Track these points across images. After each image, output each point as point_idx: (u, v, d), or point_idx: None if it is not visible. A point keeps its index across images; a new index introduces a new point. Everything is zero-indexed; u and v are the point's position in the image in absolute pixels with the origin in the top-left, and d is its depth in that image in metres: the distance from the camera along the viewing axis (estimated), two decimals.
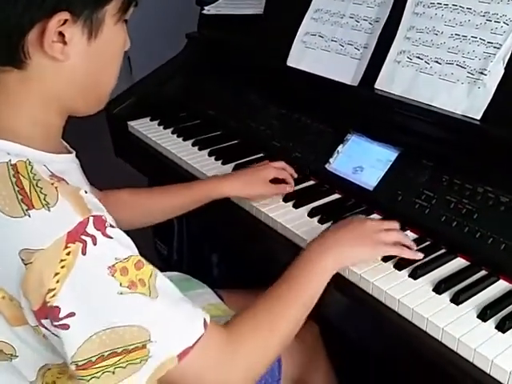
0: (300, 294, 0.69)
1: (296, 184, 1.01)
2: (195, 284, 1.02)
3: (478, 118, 0.83)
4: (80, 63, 0.60)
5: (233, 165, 1.11)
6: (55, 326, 0.53)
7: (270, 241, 0.94)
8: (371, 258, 0.77)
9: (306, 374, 0.92)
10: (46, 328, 0.54)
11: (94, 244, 0.54)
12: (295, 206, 0.95)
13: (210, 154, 1.16)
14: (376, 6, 1.00)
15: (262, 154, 1.15)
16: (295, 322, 0.68)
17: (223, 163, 1.12)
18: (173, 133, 1.27)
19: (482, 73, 0.84)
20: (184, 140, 1.23)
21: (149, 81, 1.42)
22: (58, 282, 0.52)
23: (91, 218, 0.55)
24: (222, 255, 1.48)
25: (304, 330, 0.71)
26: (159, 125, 1.31)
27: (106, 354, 0.54)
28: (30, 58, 0.58)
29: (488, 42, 0.84)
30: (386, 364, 0.82)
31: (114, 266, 0.54)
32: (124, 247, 0.57)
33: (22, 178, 0.55)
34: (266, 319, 0.66)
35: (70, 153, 0.68)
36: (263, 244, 0.98)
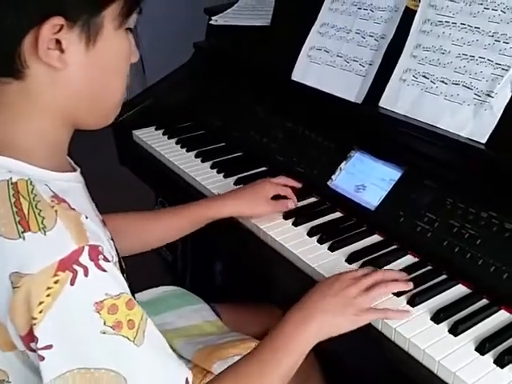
0: (279, 367, 0.66)
1: (297, 201, 1.00)
2: (192, 299, 1.01)
3: (484, 141, 0.81)
4: (79, 71, 0.58)
5: (235, 178, 1.10)
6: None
7: (269, 258, 0.93)
8: (352, 328, 0.71)
9: None
10: (33, 351, 0.53)
11: (86, 275, 0.52)
12: (295, 224, 0.93)
13: (212, 167, 1.15)
14: (383, 22, 0.98)
15: (264, 168, 1.14)
16: None
17: (225, 176, 1.11)
18: (177, 143, 1.26)
19: (488, 95, 0.82)
20: (187, 151, 1.22)
21: (155, 89, 1.42)
22: (41, 311, 0.50)
23: (86, 248, 0.52)
24: (226, 264, 1.47)
25: None
26: (164, 134, 1.31)
27: None
28: (28, 67, 0.56)
29: (496, 64, 0.82)
30: None
31: (102, 301, 0.52)
32: (116, 283, 0.54)
33: (21, 198, 0.53)
34: None
35: (74, 170, 0.66)
36: (262, 260, 0.96)
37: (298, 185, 1.00)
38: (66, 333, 0.51)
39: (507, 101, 0.80)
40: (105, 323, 0.52)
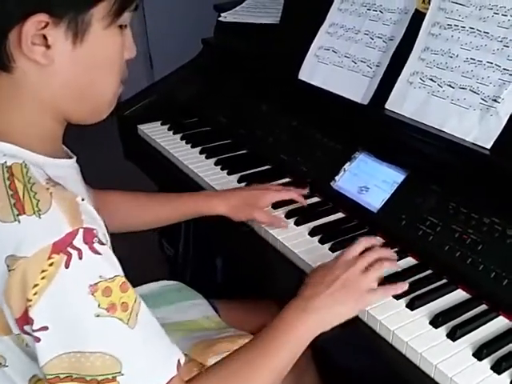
0: (271, 363, 0.65)
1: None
2: (191, 294, 1.01)
3: (488, 147, 0.81)
4: (66, 68, 0.58)
5: (238, 175, 1.10)
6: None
7: (270, 256, 0.93)
8: (355, 314, 0.71)
9: None
10: (28, 334, 0.53)
11: (80, 258, 0.52)
12: (297, 224, 0.93)
13: (216, 163, 1.15)
14: (392, 23, 0.97)
15: (268, 166, 1.13)
16: None
17: (229, 173, 1.11)
18: (182, 139, 1.26)
19: (495, 100, 0.81)
20: (192, 147, 1.22)
21: (161, 84, 1.42)
22: (35, 293, 0.51)
23: (81, 230, 0.53)
24: (227, 261, 1.47)
25: None
26: (169, 130, 1.31)
27: (74, 376, 0.52)
28: (15, 62, 0.57)
29: (504, 69, 0.82)
30: None
31: (96, 284, 0.52)
32: (111, 266, 0.55)
33: (16, 181, 0.54)
34: None
35: (70, 158, 0.67)
36: (263, 258, 0.96)
37: (304, 202, 0.96)
38: (61, 315, 0.52)
39: None
40: (99, 305, 0.52)
